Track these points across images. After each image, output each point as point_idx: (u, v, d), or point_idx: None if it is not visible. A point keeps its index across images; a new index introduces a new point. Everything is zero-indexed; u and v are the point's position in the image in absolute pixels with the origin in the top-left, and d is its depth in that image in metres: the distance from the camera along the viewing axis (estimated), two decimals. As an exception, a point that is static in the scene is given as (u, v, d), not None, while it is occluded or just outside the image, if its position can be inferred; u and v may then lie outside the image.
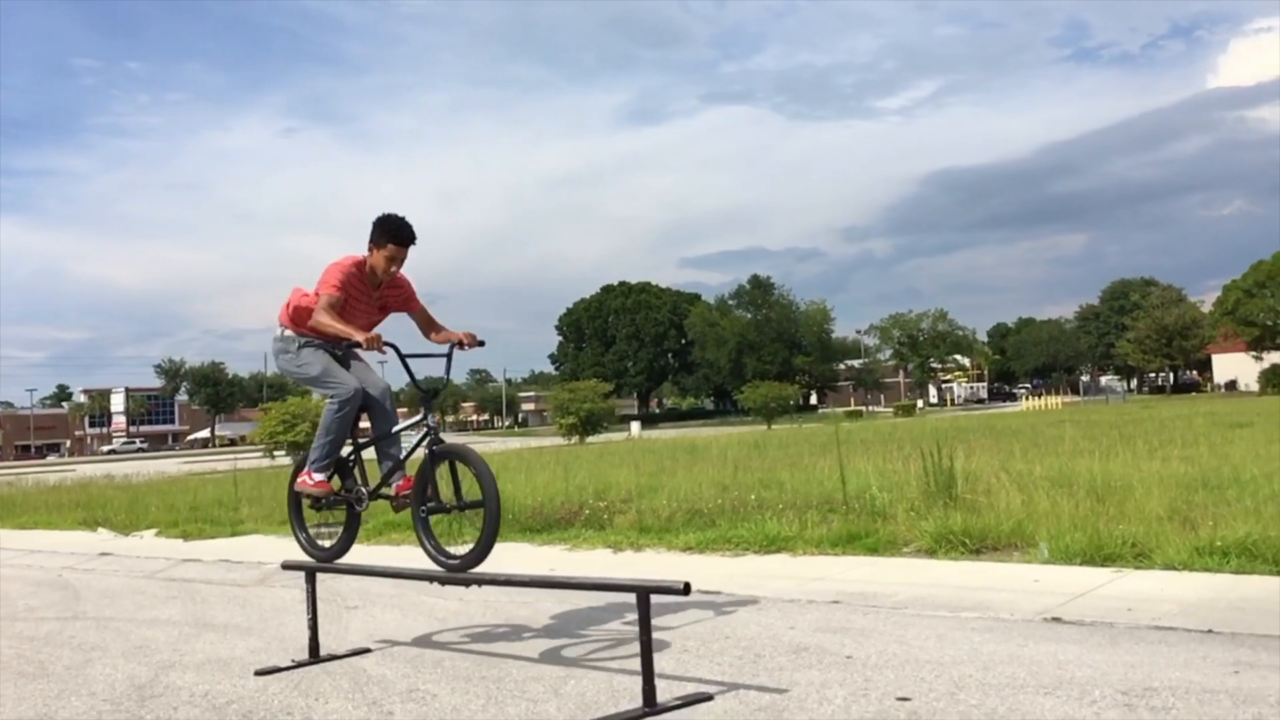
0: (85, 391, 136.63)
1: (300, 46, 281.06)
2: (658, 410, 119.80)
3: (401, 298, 5.85)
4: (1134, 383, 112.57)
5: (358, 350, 5.84)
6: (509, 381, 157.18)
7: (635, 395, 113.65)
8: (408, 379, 5.72)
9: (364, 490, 5.85)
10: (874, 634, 5.38)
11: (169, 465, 45.57)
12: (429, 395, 5.64)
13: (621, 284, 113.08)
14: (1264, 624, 5.04)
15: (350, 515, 5.98)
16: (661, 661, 4.87)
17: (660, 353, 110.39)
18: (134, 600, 8.30)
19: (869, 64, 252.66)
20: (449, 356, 5.81)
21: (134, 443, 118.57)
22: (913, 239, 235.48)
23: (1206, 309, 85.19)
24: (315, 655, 5.49)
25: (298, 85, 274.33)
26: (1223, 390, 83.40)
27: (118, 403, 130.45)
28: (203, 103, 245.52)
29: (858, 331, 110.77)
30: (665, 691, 4.32)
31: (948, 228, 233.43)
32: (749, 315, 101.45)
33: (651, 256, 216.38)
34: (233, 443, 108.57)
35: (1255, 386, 68.64)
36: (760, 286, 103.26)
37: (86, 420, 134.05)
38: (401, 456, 5.79)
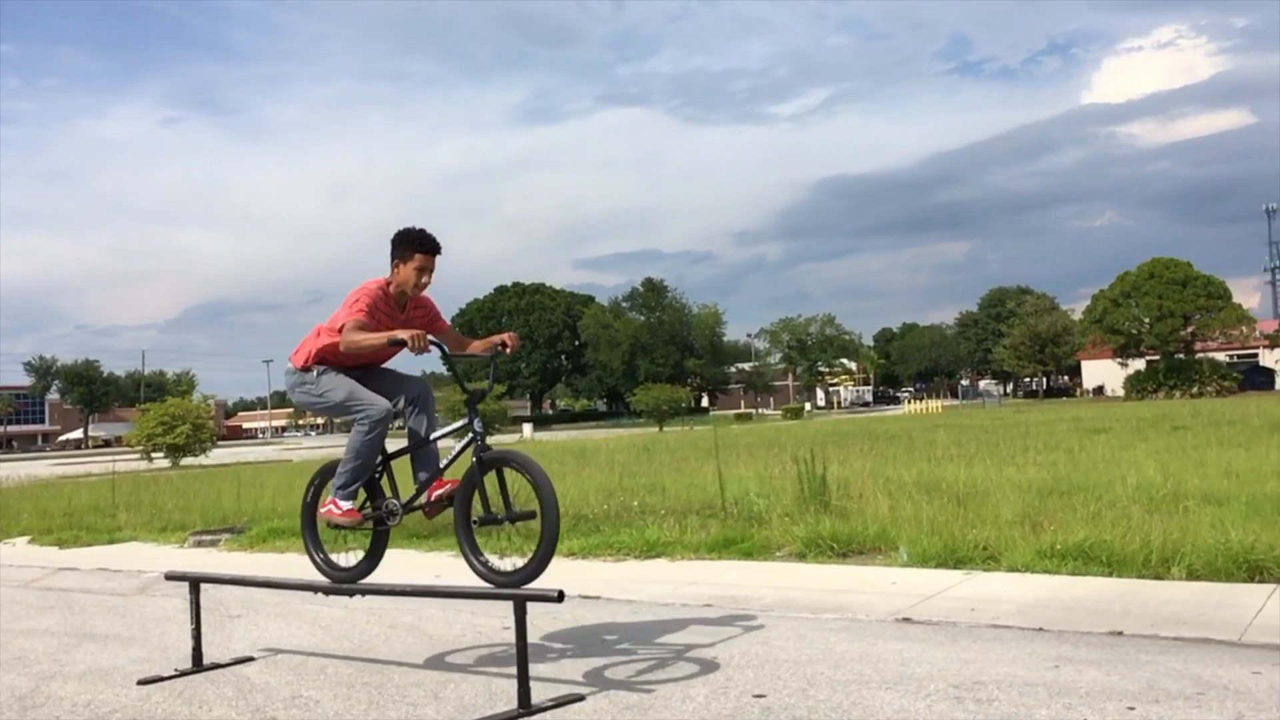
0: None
1: (183, 33, 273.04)
2: (550, 412, 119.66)
3: (427, 318, 5.48)
4: (1010, 387, 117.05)
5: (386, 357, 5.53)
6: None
7: (528, 396, 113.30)
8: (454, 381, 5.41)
9: (397, 503, 5.42)
10: (740, 635, 5.73)
11: (39, 468, 43.79)
12: (475, 398, 5.27)
13: (515, 284, 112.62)
14: (1089, 622, 5.55)
15: (376, 534, 5.56)
16: (539, 665, 5.13)
17: (554, 354, 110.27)
18: (9, 610, 8.17)
19: (762, 70, 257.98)
20: (493, 360, 5.55)
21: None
22: (803, 244, 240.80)
23: (1077, 317, 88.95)
24: (199, 664, 5.58)
25: (180, 73, 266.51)
26: (1091, 395, 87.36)
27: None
28: (78, 89, 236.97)
29: (748, 335, 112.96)
30: (541, 693, 4.58)
31: (837, 233, 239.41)
32: (642, 318, 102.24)
33: (546, 257, 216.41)
34: (107, 444, 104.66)
35: (1121, 392, 72.14)
36: (654, 289, 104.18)
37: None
38: (442, 466, 5.42)
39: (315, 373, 5.39)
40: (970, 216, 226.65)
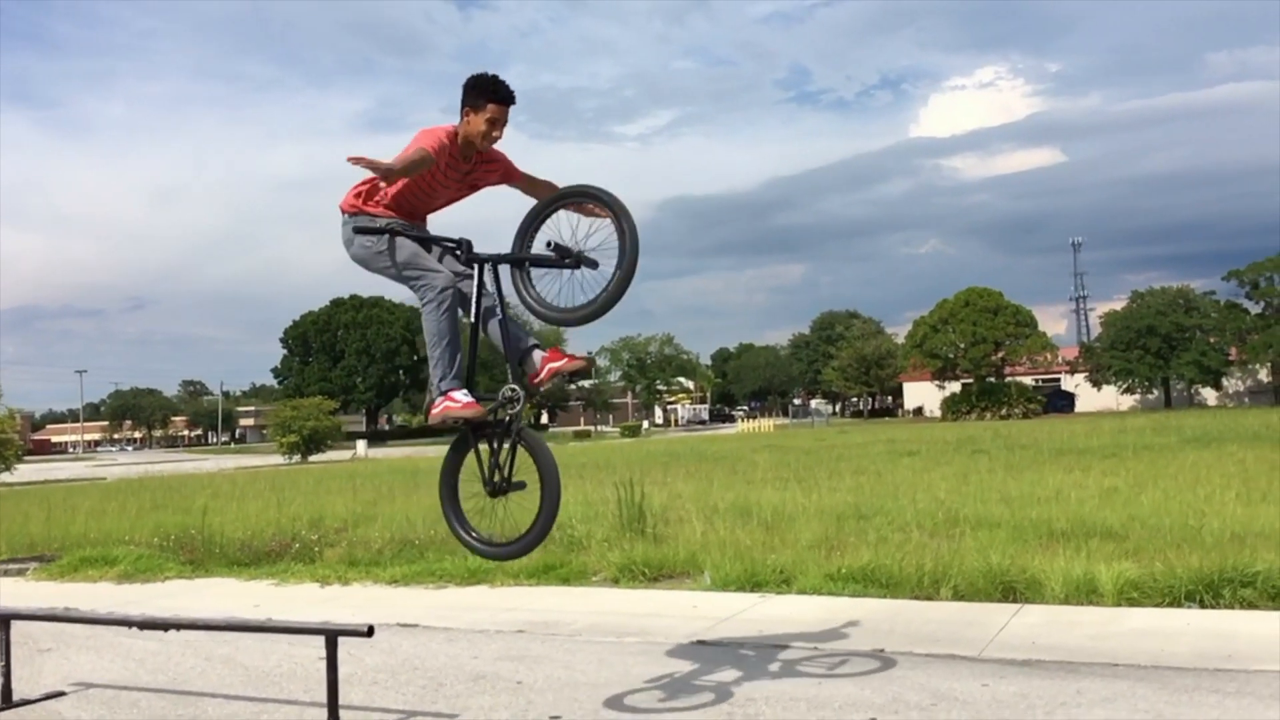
0: None
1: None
2: (387, 427, 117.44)
3: (500, 172, 5.27)
4: (839, 407, 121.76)
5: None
6: (226, 394, 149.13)
7: (363, 412, 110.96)
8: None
9: (514, 387, 5.03)
10: (547, 660, 6.13)
11: None
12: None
13: (353, 297, 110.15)
14: (859, 641, 6.19)
15: (545, 487, 4.91)
16: (352, 693, 5.40)
17: (391, 369, 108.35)
18: None
19: (610, 90, 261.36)
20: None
21: None
22: (647, 262, 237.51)
23: (901, 340, 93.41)
24: (8, 701, 5.60)
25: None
26: (911, 416, 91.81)
27: None
28: None
29: (589, 352, 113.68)
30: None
31: (680, 253, 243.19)
32: (482, 333, 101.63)
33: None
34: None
35: (939, 413, 76.24)
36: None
37: None
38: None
39: (380, 227, 5.04)
40: (805, 241, 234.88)
